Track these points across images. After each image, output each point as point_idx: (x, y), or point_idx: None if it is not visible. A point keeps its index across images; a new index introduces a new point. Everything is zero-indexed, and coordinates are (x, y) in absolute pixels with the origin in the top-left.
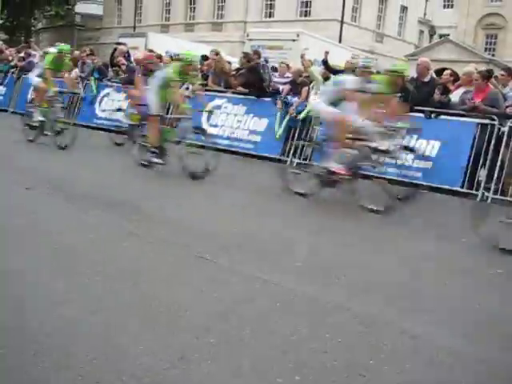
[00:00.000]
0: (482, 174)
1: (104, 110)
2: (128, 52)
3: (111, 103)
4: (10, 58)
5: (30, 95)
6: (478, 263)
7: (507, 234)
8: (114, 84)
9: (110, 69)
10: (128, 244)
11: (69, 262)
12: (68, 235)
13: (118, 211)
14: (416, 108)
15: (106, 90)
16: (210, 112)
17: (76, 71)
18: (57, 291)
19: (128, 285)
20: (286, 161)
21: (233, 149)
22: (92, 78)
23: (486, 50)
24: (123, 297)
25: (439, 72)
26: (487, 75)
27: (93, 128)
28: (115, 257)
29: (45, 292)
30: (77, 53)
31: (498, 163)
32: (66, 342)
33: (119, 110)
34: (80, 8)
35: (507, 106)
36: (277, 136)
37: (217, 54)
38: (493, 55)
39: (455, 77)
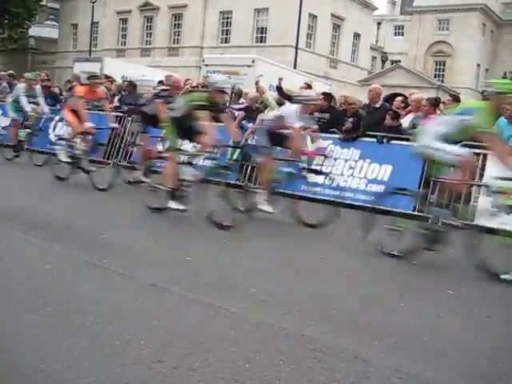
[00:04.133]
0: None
1: (58, 135)
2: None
3: (66, 128)
4: None
5: None
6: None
7: None
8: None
9: (64, 94)
10: (81, 273)
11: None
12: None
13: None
14: (368, 133)
15: (60, 115)
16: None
17: None
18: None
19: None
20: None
21: None
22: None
23: (435, 76)
24: (72, 327)
25: (392, 97)
26: (434, 102)
27: (47, 153)
28: (66, 286)
29: None
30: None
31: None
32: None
33: (61, 139)
34: (34, 31)
35: None
36: (230, 162)
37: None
38: (442, 81)
39: (406, 103)
